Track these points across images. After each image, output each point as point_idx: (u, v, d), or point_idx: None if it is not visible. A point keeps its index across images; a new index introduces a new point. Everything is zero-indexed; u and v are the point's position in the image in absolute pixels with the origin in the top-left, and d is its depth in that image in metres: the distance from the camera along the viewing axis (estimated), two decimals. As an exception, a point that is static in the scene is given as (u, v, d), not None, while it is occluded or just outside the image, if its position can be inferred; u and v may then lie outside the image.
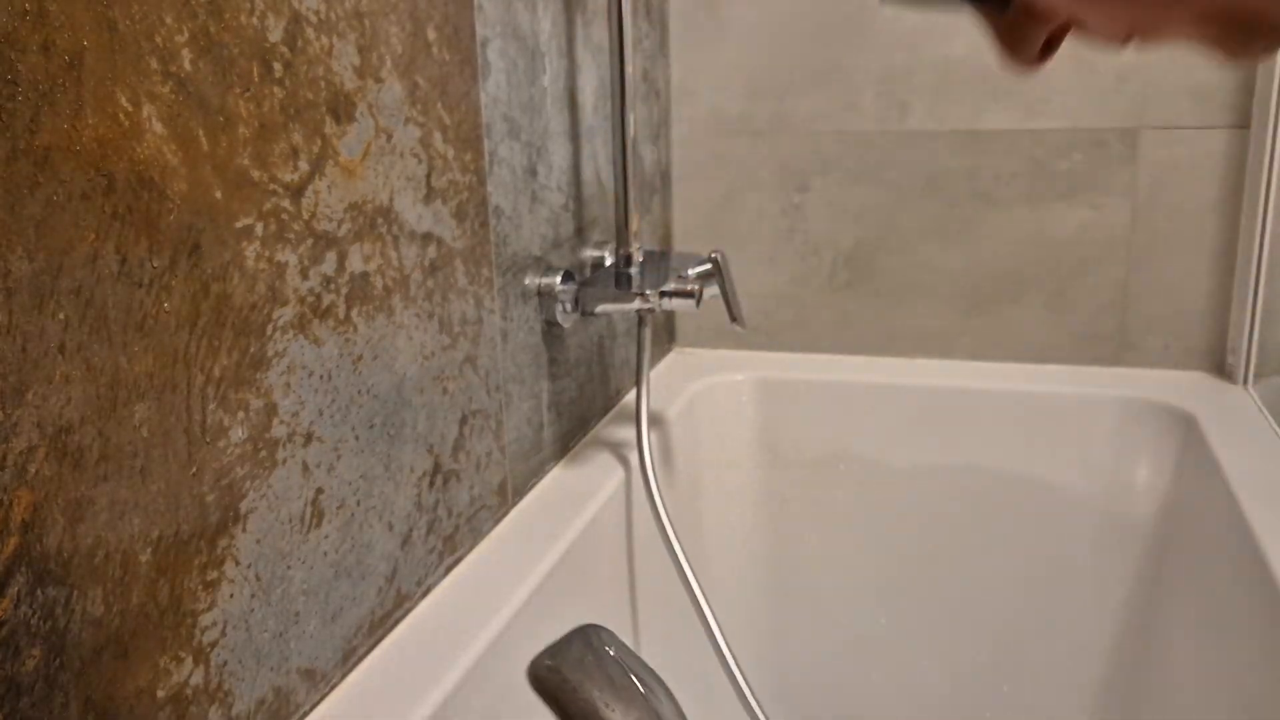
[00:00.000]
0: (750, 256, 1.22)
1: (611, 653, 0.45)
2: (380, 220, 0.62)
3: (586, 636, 0.45)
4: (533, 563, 0.73)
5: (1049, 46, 0.39)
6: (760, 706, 0.76)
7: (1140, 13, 0.35)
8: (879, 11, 1.11)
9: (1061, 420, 1.09)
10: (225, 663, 0.51)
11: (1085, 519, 1.08)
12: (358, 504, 0.61)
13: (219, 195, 0.48)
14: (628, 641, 0.90)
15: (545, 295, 0.85)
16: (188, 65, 0.46)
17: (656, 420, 1.03)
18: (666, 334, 1.26)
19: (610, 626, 0.86)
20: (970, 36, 1.09)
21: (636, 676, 0.44)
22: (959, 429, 1.12)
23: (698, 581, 0.83)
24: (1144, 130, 1.07)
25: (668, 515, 0.87)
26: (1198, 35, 0.34)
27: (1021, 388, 1.11)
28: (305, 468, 0.56)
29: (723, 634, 0.81)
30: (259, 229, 0.51)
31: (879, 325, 1.20)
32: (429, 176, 0.67)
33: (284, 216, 0.53)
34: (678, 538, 0.85)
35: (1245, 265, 1.05)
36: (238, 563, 0.51)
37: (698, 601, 0.82)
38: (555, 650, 0.44)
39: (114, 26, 0.42)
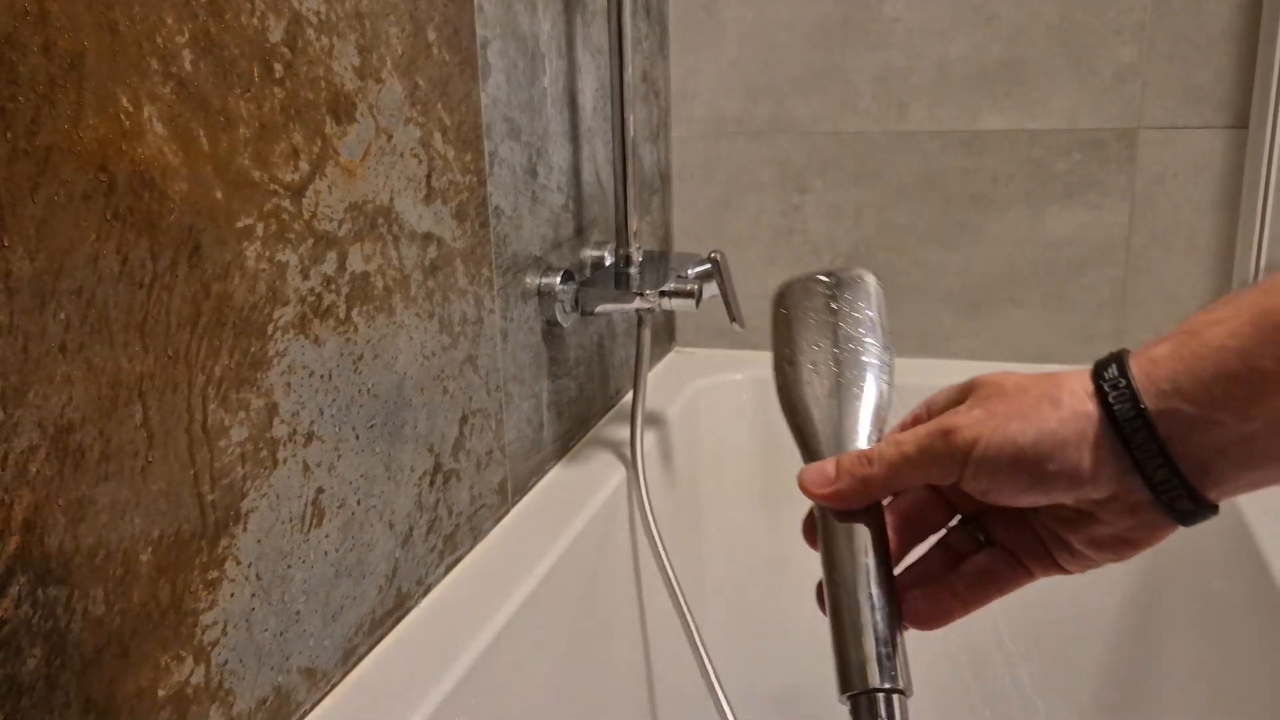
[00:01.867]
0: (749, 257, 1.22)
1: (858, 313, 0.43)
2: (381, 220, 0.62)
3: (857, 287, 0.44)
4: (533, 562, 0.74)
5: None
6: (734, 713, 0.76)
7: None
8: (879, 13, 1.12)
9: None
10: (226, 662, 0.51)
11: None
12: (358, 503, 0.61)
13: (220, 195, 0.48)
14: (626, 639, 0.90)
15: (545, 295, 0.85)
16: (188, 66, 0.46)
17: (656, 420, 1.03)
18: (666, 334, 1.26)
19: (611, 625, 0.87)
20: (968, 37, 1.10)
21: (853, 345, 0.42)
22: (958, 429, 1.12)
23: (681, 590, 0.83)
24: (1142, 131, 1.07)
25: (655, 523, 0.87)
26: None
27: (1020, 387, 1.11)
28: (306, 467, 0.56)
29: (703, 641, 0.81)
30: (259, 229, 0.51)
31: (878, 325, 1.20)
32: (429, 177, 0.67)
33: (284, 217, 0.53)
34: (665, 547, 0.85)
35: (1243, 265, 1.05)
36: (238, 562, 0.51)
37: (683, 609, 0.82)
38: (818, 282, 0.43)
39: (115, 27, 0.42)
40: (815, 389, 0.42)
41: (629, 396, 1.08)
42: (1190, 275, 1.09)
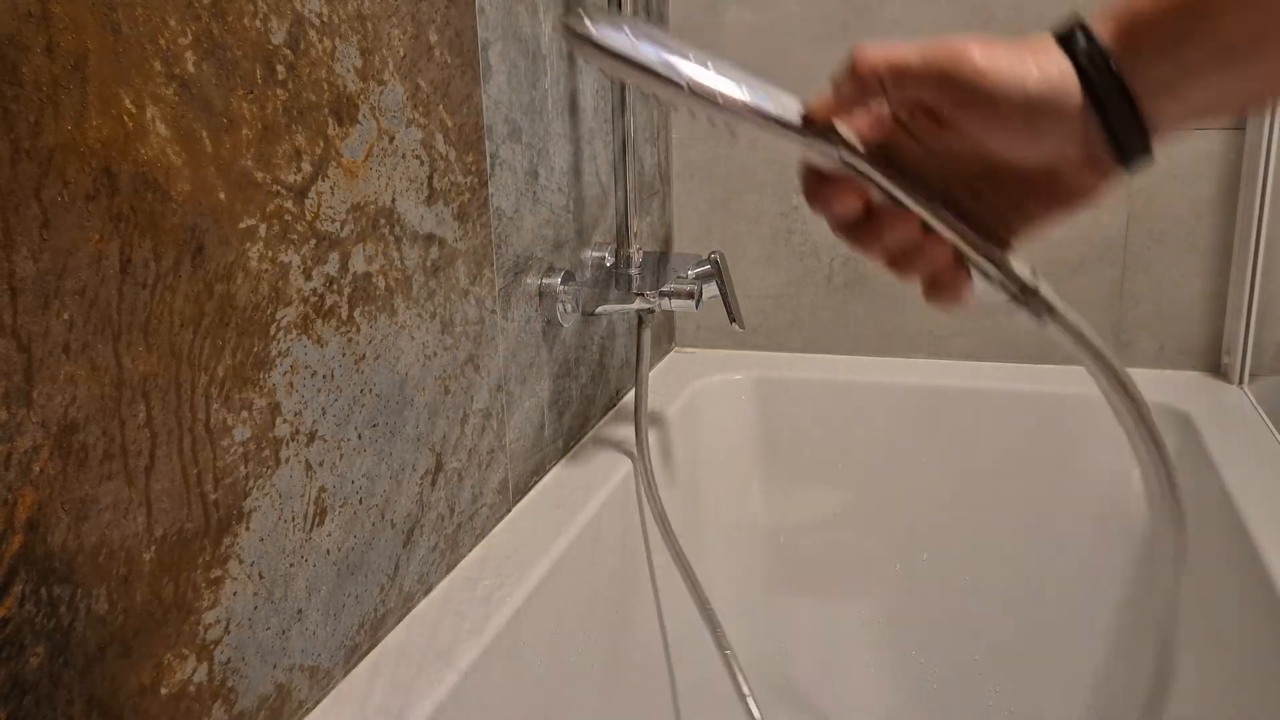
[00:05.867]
0: (749, 257, 1.23)
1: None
2: (383, 221, 0.62)
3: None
4: (535, 560, 0.74)
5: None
6: (757, 703, 0.76)
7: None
8: (879, 15, 1.12)
9: (1058, 420, 1.09)
10: (228, 660, 0.51)
11: (1081, 517, 1.08)
12: (360, 502, 0.62)
13: (222, 196, 0.49)
14: (629, 636, 0.90)
15: (546, 296, 0.85)
16: (191, 67, 0.46)
17: (656, 419, 1.03)
18: (666, 334, 1.26)
19: (610, 625, 0.87)
20: (968, 38, 1.10)
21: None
22: (956, 429, 1.13)
23: (697, 581, 0.84)
24: (1141, 131, 1.07)
25: (666, 516, 0.87)
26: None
27: (1018, 387, 1.11)
28: (308, 466, 0.56)
29: (719, 625, 0.81)
30: (262, 230, 0.52)
31: (876, 325, 1.21)
32: (431, 178, 0.67)
33: (287, 217, 0.53)
34: (674, 536, 0.86)
35: (1240, 265, 1.06)
36: (241, 561, 0.52)
37: (701, 597, 0.82)
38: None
39: (118, 29, 0.42)
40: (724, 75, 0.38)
41: (630, 396, 1.09)
42: (1188, 275, 1.10)
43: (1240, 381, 1.08)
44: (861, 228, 0.41)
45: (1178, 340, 1.12)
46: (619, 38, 0.35)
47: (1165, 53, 0.35)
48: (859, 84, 0.38)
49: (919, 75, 0.37)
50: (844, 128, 0.39)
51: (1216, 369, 1.12)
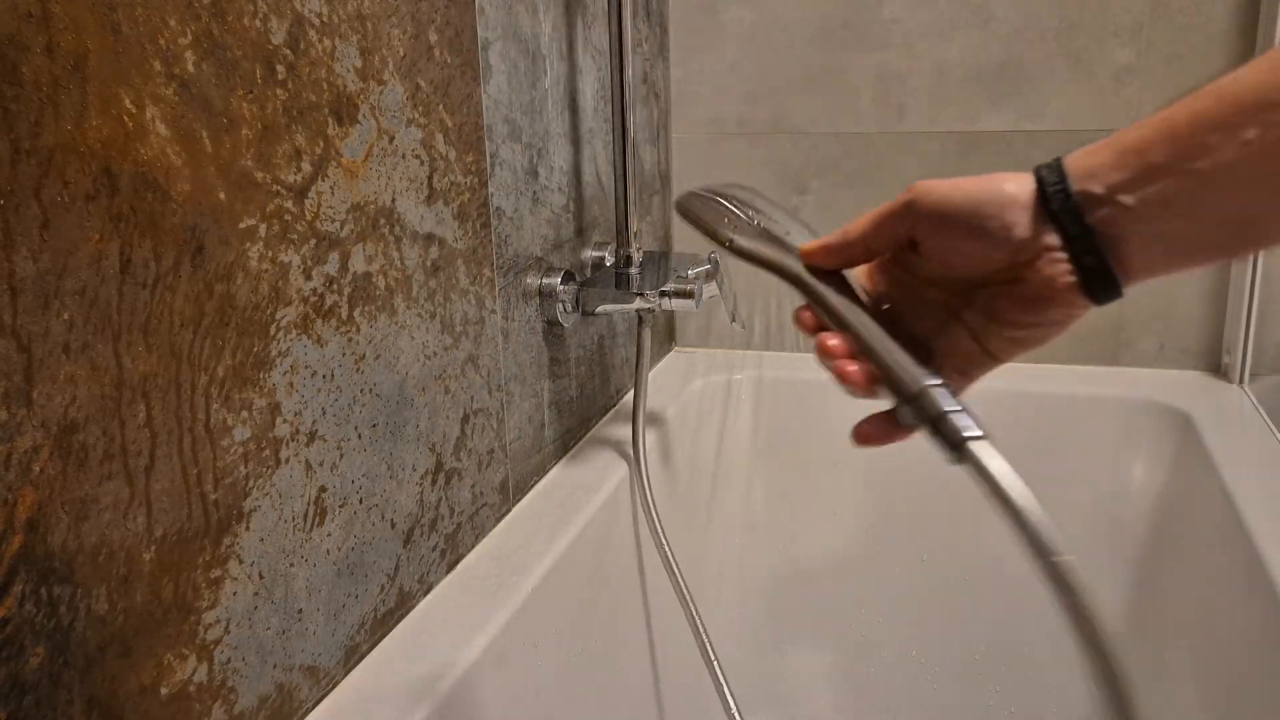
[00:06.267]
0: (749, 257, 1.23)
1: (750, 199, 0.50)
2: (383, 221, 0.62)
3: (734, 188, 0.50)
4: (535, 560, 0.74)
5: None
6: (739, 709, 0.76)
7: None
8: (877, 14, 1.12)
9: (1058, 419, 1.09)
10: (229, 660, 0.51)
11: (1082, 517, 1.08)
12: (360, 502, 0.62)
13: (222, 196, 0.49)
14: (629, 636, 0.90)
15: (546, 295, 0.85)
16: (191, 67, 0.46)
17: (656, 419, 1.03)
18: (666, 334, 1.26)
19: (610, 623, 0.87)
20: (967, 39, 1.10)
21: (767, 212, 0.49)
22: (957, 429, 1.12)
23: (687, 587, 0.84)
24: (1141, 131, 1.07)
25: (658, 517, 0.87)
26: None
27: (1018, 387, 1.11)
28: (308, 466, 0.56)
29: (707, 634, 0.81)
30: (262, 230, 0.52)
31: (877, 325, 1.20)
32: (431, 178, 0.67)
33: (287, 217, 0.53)
34: (668, 541, 0.86)
35: (1241, 265, 1.05)
36: (241, 561, 0.52)
37: (687, 603, 0.82)
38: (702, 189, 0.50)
39: (118, 29, 0.42)
40: (766, 226, 0.49)
41: (629, 396, 1.09)
42: (1188, 275, 1.09)
43: (1240, 381, 1.08)
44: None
45: (1178, 340, 1.12)
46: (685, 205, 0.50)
47: (1124, 160, 0.38)
48: (845, 246, 0.45)
49: (888, 214, 0.42)
50: (850, 273, 0.46)
51: (1216, 369, 1.12)
